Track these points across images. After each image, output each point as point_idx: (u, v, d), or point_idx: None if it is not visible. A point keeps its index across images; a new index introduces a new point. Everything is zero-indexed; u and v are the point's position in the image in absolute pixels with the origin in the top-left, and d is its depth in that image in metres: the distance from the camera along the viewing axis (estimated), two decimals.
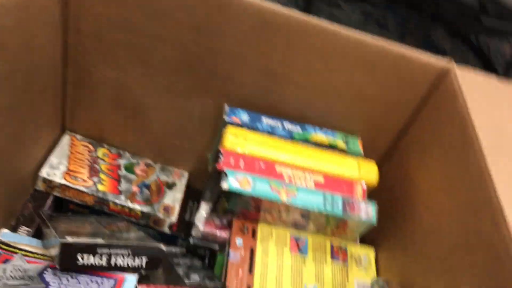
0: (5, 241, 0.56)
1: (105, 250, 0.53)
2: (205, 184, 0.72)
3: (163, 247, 0.56)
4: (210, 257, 0.73)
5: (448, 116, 0.60)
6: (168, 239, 0.75)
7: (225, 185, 0.59)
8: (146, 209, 0.72)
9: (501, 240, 0.44)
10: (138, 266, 0.55)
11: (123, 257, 0.54)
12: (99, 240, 0.53)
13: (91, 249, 0.52)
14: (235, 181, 0.60)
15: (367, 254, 0.69)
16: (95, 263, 0.53)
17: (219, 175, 0.61)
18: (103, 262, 0.53)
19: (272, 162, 0.63)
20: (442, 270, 0.54)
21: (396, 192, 0.69)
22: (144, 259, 0.56)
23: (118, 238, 0.57)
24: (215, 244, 0.70)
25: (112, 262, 0.54)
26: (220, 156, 0.62)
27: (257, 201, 0.61)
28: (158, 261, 0.56)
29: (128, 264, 0.55)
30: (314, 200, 0.61)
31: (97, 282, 0.53)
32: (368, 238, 0.73)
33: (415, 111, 0.67)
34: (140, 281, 0.54)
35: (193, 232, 0.69)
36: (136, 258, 0.55)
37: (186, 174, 0.81)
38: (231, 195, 0.60)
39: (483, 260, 0.47)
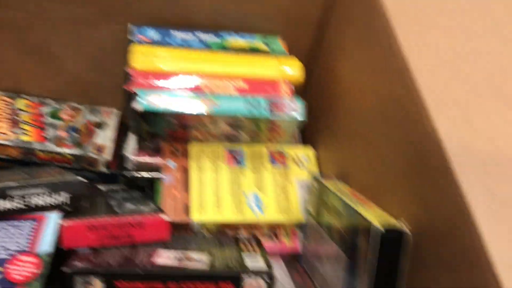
0: None
1: (18, 192, 0.50)
2: (128, 113, 0.69)
3: (82, 179, 0.53)
4: (150, 187, 0.71)
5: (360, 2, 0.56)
6: (110, 179, 0.73)
7: (138, 106, 0.56)
8: (76, 151, 0.69)
9: (412, 103, 0.42)
10: (60, 203, 0.53)
11: (41, 196, 0.52)
12: (10, 183, 0.50)
13: (1, 193, 0.49)
14: (147, 100, 0.56)
15: (307, 154, 0.67)
16: (11, 208, 0.50)
17: (132, 97, 0.57)
18: (20, 205, 0.51)
19: (188, 74, 0.60)
20: (365, 148, 0.52)
21: (324, 86, 0.67)
22: (66, 195, 0.53)
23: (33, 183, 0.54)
24: (153, 173, 0.68)
25: (30, 203, 0.51)
26: (129, 77, 0.58)
27: (179, 118, 0.58)
28: (82, 195, 0.53)
29: (48, 203, 0.52)
30: (237, 106, 0.58)
31: (15, 226, 0.50)
32: (308, 139, 0.71)
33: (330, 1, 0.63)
34: (64, 217, 0.52)
35: (126, 165, 0.66)
36: (55, 195, 0.52)
37: (116, 112, 0.78)
38: (148, 116, 0.57)
39: (400, 128, 0.45)
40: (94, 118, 0.75)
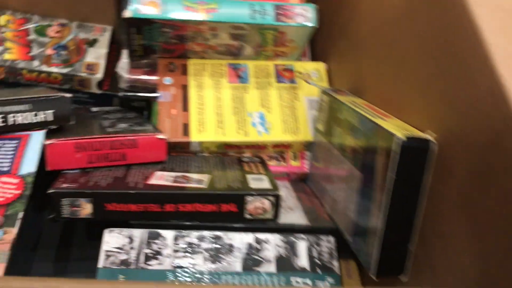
0: None
1: None
2: (120, 26, 0.62)
3: (67, 95, 0.48)
4: (147, 108, 0.66)
5: None
6: (102, 100, 0.67)
7: (127, 13, 0.49)
8: (65, 70, 0.63)
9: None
10: (44, 121, 0.48)
11: (24, 113, 0.47)
12: None
13: None
14: (140, 6, 0.50)
15: (317, 69, 0.61)
16: None
17: (123, 4, 0.51)
18: (1, 123, 0.46)
19: None
20: (387, 58, 0.45)
21: None
22: (50, 113, 0.48)
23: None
24: (150, 94, 0.62)
25: (11, 121, 0.46)
26: None
27: (174, 27, 0.52)
28: (67, 113, 0.48)
29: (31, 121, 0.47)
30: (239, 12, 0.52)
31: None
32: (318, 54, 0.64)
33: None
34: (49, 137, 0.47)
35: (120, 83, 0.61)
36: (39, 113, 0.47)
37: (109, 28, 0.71)
38: (140, 24, 0.51)
39: (430, 26, 0.38)
40: (85, 35, 0.69)
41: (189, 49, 0.57)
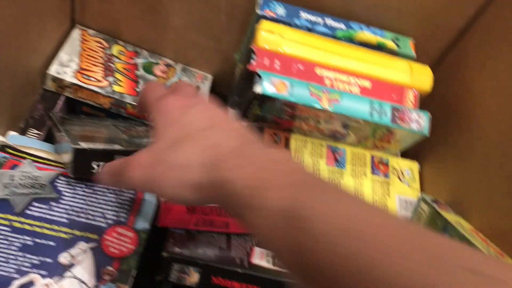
0: (12, 144, 0.50)
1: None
2: (231, 88, 0.64)
3: None
4: None
5: None
6: None
7: (258, 89, 0.51)
8: None
9: None
10: None
11: None
12: (117, 146, 0.47)
13: (108, 156, 0.46)
14: (270, 84, 0.52)
15: (411, 168, 0.62)
16: None
17: (251, 77, 0.53)
18: None
19: (312, 63, 0.55)
20: (508, 187, 0.47)
21: (450, 99, 0.61)
22: None
23: (137, 144, 0.51)
24: None
25: None
26: (253, 55, 0.53)
27: (294, 108, 0.54)
28: None
29: None
30: (359, 108, 0.54)
31: (116, 194, 0.47)
32: (409, 151, 0.66)
33: (481, 8, 0.57)
34: None
35: None
36: None
37: (209, 77, 0.73)
38: (265, 100, 0.53)
39: None
40: (187, 79, 0.71)
41: (297, 126, 0.59)
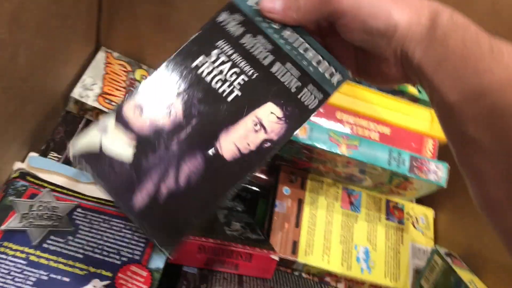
0: (32, 171, 0.50)
1: None
2: None
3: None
4: (250, 199, 0.67)
5: None
6: None
7: None
8: None
9: None
10: None
11: None
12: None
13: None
14: None
15: (426, 215, 0.62)
16: None
17: None
18: None
19: (332, 107, 0.55)
20: None
21: None
22: None
23: None
24: (258, 188, 0.64)
25: None
26: None
27: (313, 151, 0.54)
28: None
29: None
30: (378, 155, 0.54)
31: (131, 229, 0.47)
32: (425, 197, 0.65)
33: None
34: None
35: None
36: None
37: None
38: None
39: None
40: None
41: (314, 167, 0.59)
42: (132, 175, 0.35)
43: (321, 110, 0.54)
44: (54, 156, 0.60)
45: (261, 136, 0.37)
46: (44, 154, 0.60)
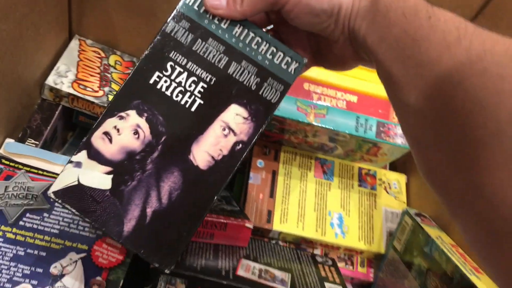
0: (8, 155, 0.51)
1: None
2: None
3: None
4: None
5: None
6: None
7: None
8: None
9: None
10: None
11: None
12: None
13: None
14: None
15: (398, 180, 0.64)
16: None
17: None
18: None
19: (300, 79, 0.56)
20: None
21: None
22: None
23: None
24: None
25: None
26: None
27: (282, 122, 0.55)
28: None
29: None
30: (345, 123, 0.55)
31: None
32: (398, 163, 0.67)
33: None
34: None
35: None
36: None
37: None
38: None
39: None
40: None
41: (286, 139, 0.60)
42: (115, 203, 0.36)
43: None
44: (32, 143, 0.61)
45: (232, 139, 0.37)
46: (21, 141, 0.61)
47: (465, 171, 0.26)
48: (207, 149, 0.37)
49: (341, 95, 0.57)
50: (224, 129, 0.37)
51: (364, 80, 0.58)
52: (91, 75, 0.68)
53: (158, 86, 0.37)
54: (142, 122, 0.37)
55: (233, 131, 0.37)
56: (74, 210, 0.36)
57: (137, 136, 0.37)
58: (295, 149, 0.62)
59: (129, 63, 0.72)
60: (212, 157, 0.37)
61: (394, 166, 0.67)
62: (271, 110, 0.38)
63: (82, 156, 0.37)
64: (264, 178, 0.59)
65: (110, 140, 0.37)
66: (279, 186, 0.59)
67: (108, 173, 0.36)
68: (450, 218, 0.52)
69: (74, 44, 0.70)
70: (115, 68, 0.71)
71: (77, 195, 0.36)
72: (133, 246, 0.36)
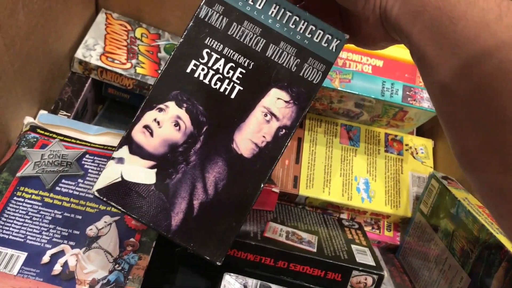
0: (42, 125, 0.53)
1: None
2: None
3: None
4: None
5: None
6: None
7: None
8: None
9: None
10: None
11: None
12: None
13: None
14: None
15: (425, 145, 0.64)
16: None
17: None
18: None
19: None
20: None
21: None
22: None
23: None
24: None
25: None
26: None
27: None
28: None
29: None
30: (371, 87, 0.55)
31: None
32: (425, 128, 0.67)
33: None
34: None
35: None
36: None
37: None
38: None
39: None
40: None
41: (311, 106, 0.60)
42: (161, 197, 0.36)
43: None
44: (64, 115, 0.63)
45: (274, 125, 0.36)
46: (54, 112, 0.63)
47: (503, 155, 0.26)
48: (250, 136, 0.36)
49: (366, 60, 0.56)
50: (266, 115, 0.36)
51: None
52: (118, 48, 0.69)
53: (196, 75, 0.36)
54: (182, 113, 0.36)
55: (275, 116, 0.36)
56: (119, 207, 0.35)
57: (178, 127, 0.36)
58: (320, 116, 0.62)
59: (155, 36, 0.73)
60: (256, 145, 0.36)
61: (421, 132, 0.67)
62: (314, 91, 0.36)
63: (123, 151, 0.36)
64: (289, 145, 0.60)
65: (151, 134, 0.36)
66: (304, 153, 0.59)
67: (152, 167, 0.36)
68: None
69: (101, 17, 0.71)
70: (141, 41, 0.72)
71: (121, 191, 0.35)
72: (182, 240, 0.35)
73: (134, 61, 0.69)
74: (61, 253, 0.44)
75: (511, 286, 0.38)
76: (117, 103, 0.73)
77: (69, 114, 0.63)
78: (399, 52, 0.57)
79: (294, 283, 0.48)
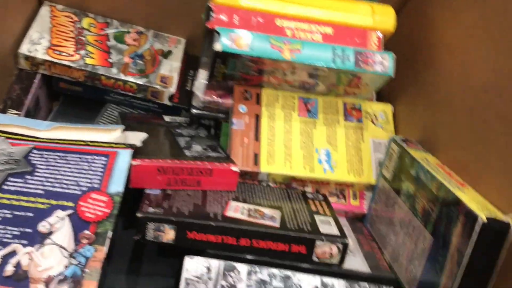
0: None
1: None
2: (201, 49, 0.64)
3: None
4: (215, 127, 0.68)
5: None
6: (171, 112, 0.70)
7: (218, 46, 0.52)
8: (141, 80, 0.66)
9: None
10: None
11: None
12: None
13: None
14: (229, 40, 0.52)
15: (384, 111, 0.63)
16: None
17: (212, 35, 0.53)
18: None
19: (271, 15, 0.55)
20: (468, 120, 0.47)
21: (415, 39, 0.61)
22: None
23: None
24: (219, 114, 0.65)
25: None
26: (211, 12, 0.53)
27: (258, 62, 0.54)
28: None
29: None
30: (321, 55, 0.54)
31: (87, 162, 0.49)
32: (384, 94, 0.66)
33: None
34: (135, 156, 0.50)
35: (194, 102, 0.63)
36: None
37: (183, 41, 0.74)
38: (227, 56, 0.53)
39: None
40: (160, 46, 0.72)
41: (266, 81, 0.59)
42: None
43: (260, 19, 0.54)
44: (13, 113, 0.61)
45: None
46: (3, 112, 0.60)
47: None
48: None
49: (315, 28, 0.55)
50: None
51: (339, 11, 0.57)
52: (66, 40, 0.67)
53: None
54: None
55: None
56: None
57: None
58: (277, 91, 0.61)
59: (103, 24, 0.71)
60: None
61: (381, 97, 0.66)
62: None
63: None
64: (247, 123, 0.59)
65: None
66: (263, 129, 0.58)
67: None
68: (435, 139, 0.52)
69: (44, 10, 0.69)
70: (89, 31, 0.69)
71: None
72: None
73: (82, 52, 0.66)
74: (13, 253, 0.42)
75: (469, 240, 0.38)
76: (73, 98, 0.71)
77: (19, 113, 0.61)
78: (348, 17, 0.57)
79: (259, 260, 0.47)
